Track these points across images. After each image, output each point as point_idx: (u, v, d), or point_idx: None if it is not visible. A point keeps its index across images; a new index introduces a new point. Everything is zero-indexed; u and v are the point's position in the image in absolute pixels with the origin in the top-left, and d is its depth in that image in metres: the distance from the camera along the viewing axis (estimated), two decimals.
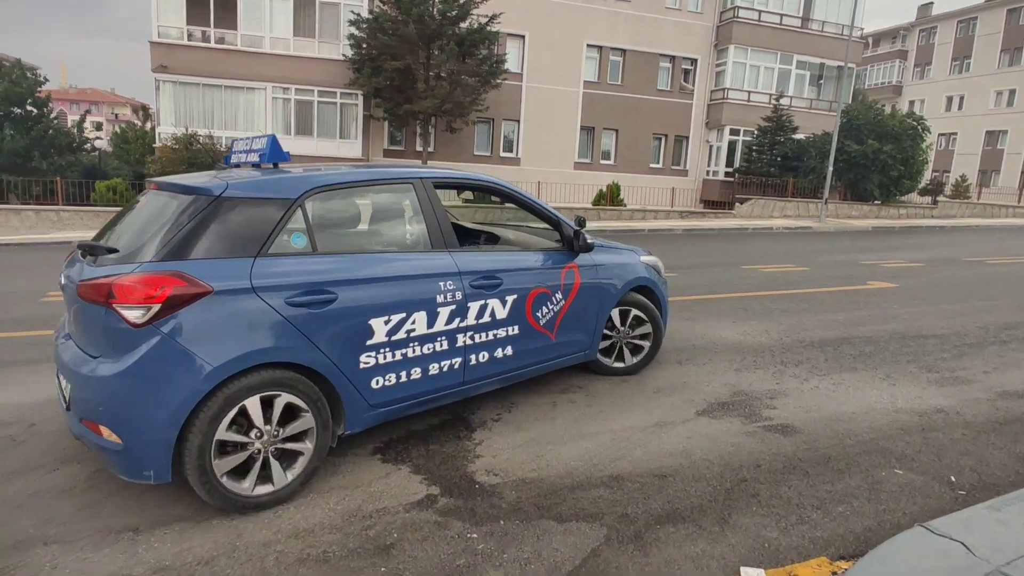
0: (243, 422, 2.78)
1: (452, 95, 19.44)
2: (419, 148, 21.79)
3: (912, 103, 46.04)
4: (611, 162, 25.37)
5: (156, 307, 2.57)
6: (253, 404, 2.76)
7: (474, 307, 3.54)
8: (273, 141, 3.30)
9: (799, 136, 24.53)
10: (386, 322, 3.16)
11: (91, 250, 2.92)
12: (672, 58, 25.33)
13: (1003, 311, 7.41)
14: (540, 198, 20.50)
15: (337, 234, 3.33)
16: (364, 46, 19.72)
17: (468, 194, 13.76)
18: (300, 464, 2.97)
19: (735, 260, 11.84)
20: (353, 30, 19.75)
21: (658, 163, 26.20)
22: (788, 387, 4.65)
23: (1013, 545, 1.69)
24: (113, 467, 2.73)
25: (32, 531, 2.70)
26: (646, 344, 4.80)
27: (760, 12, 25.10)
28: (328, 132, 21.60)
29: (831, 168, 20.81)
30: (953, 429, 3.93)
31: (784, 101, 24.83)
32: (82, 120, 21.82)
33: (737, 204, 23.00)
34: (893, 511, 2.95)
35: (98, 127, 26.15)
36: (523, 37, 23.03)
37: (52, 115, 21.17)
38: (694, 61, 25.67)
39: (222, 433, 2.70)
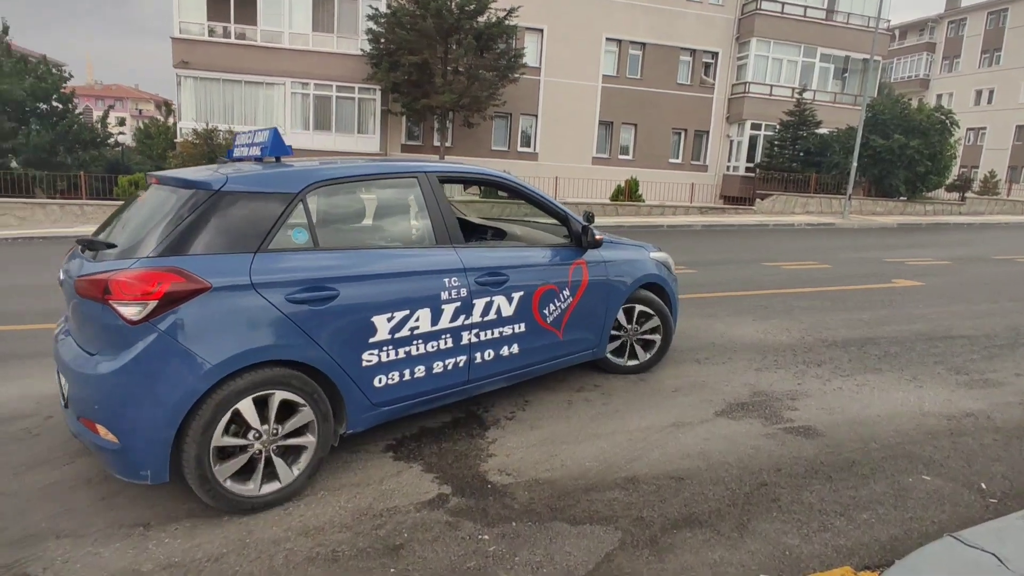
0: (240, 425, 2.73)
1: (470, 90, 19.43)
2: (436, 143, 21.80)
3: (940, 97, 44.92)
4: (629, 157, 25.12)
5: (153, 304, 2.52)
6: (246, 406, 2.70)
7: (479, 304, 3.47)
8: (275, 134, 3.21)
9: (822, 131, 24.03)
10: (389, 319, 3.11)
11: (90, 245, 2.89)
12: (692, 51, 24.98)
13: None
14: (557, 193, 20.52)
15: (339, 229, 3.28)
16: (382, 41, 19.77)
17: (475, 189, 13.71)
18: (305, 458, 2.93)
19: (756, 257, 11.64)
20: (371, 25, 19.82)
21: (677, 158, 25.90)
22: (810, 388, 4.53)
23: None
24: (110, 466, 2.69)
25: (45, 524, 2.71)
26: (656, 338, 4.71)
27: (783, 4, 24.65)
28: (346, 127, 21.70)
29: (855, 163, 20.35)
30: (983, 434, 3.79)
31: (807, 95, 24.34)
32: (105, 115, 22.12)
33: (758, 200, 22.63)
34: (921, 519, 2.84)
35: (122, 123, 26.48)
36: (541, 31, 22.89)
37: (77, 111, 21.49)
38: (715, 54, 25.31)
39: (219, 439, 2.65)
